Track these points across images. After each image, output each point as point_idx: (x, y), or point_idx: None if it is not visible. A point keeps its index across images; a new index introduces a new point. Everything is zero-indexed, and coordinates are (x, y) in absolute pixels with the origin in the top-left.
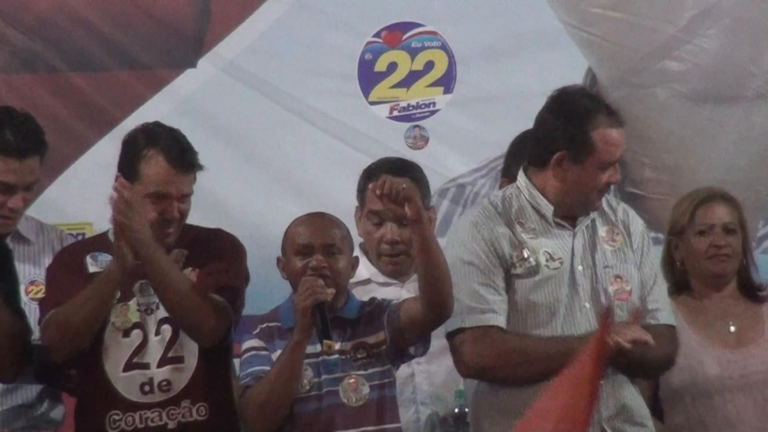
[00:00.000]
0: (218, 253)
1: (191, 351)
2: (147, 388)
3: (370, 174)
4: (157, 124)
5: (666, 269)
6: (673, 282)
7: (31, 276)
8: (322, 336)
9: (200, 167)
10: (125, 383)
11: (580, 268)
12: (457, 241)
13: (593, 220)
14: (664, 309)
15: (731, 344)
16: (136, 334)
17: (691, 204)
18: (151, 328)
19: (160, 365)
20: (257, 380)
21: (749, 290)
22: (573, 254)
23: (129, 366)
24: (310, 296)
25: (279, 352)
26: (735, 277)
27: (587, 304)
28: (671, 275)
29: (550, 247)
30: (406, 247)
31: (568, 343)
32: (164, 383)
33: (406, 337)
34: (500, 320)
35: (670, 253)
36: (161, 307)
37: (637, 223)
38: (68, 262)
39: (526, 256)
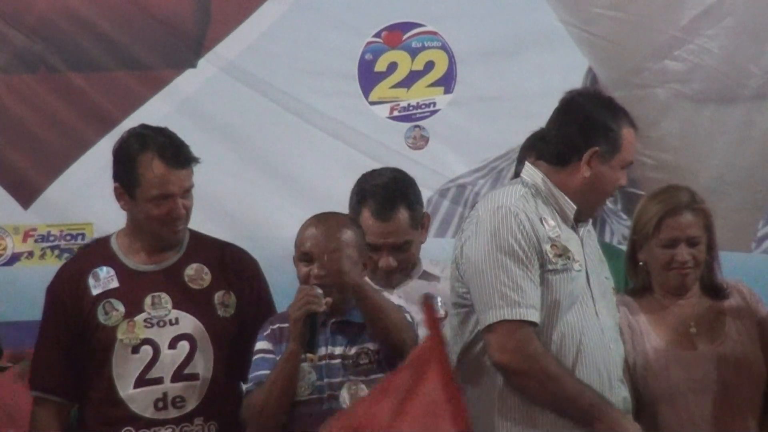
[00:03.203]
0: (251, 277)
1: (206, 369)
2: (161, 404)
3: (362, 198)
4: (144, 126)
5: (630, 268)
6: (638, 282)
7: None
8: (306, 348)
9: (196, 160)
10: (138, 400)
11: (590, 272)
12: (496, 230)
13: (588, 229)
14: None
15: (692, 346)
16: (145, 350)
17: (658, 213)
18: (164, 341)
19: (174, 380)
20: (258, 385)
21: (712, 291)
22: (585, 258)
23: (140, 382)
24: (303, 306)
25: None
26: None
27: (600, 307)
28: (634, 274)
29: (570, 246)
30: (401, 266)
31: (599, 405)
32: (178, 399)
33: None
34: (537, 316)
35: (634, 253)
36: (179, 322)
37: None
38: (70, 288)
39: (561, 253)
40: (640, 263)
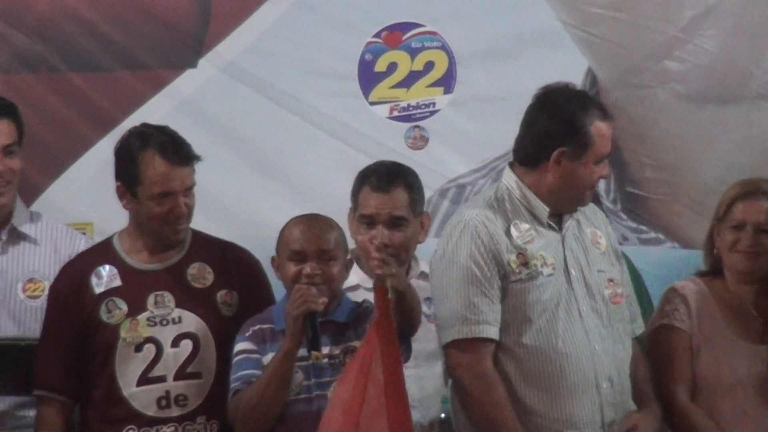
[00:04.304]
0: (253, 276)
1: (209, 367)
2: (164, 402)
3: (364, 178)
4: (146, 125)
5: (706, 252)
6: (710, 266)
7: (28, 273)
8: (311, 346)
9: (197, 158)
10: (140, 398)
11: (573, 271)
12: (454, 246)
13: (578, 221)
14: (638, 317)
15: (759, 340)
16: (148, 348)
17: (733, 195)
18: (167, 340)
19: (176, 378)
20: (247, 384)
21: None
22: (565, 257)
23: (143, 380)
24: (303, 305)
25: (270, 354)
26: None
27: (585, 308)
28: (710, 259)
29: (543, 250)
30: (396, 251)
31: None
32: (181, 398)
33: None
34: (493, 332)
35: (711, 237)
36: (182, 321)
37: (608, 225)
38: (73, 286)
39: (526, 261)
40: (715, 249)
